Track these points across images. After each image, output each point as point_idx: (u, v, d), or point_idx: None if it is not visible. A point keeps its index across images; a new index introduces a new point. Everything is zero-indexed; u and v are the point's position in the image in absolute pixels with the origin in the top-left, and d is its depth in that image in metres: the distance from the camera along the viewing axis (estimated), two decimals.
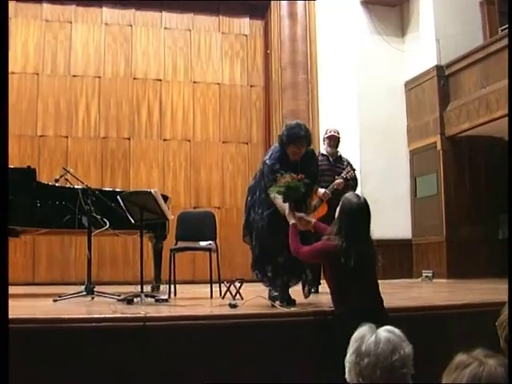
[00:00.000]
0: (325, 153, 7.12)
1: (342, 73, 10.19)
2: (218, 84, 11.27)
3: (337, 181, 6.73)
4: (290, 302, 4.72)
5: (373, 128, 9.68)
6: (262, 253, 4.75)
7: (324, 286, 6.95)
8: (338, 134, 7.12)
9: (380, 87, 9.75)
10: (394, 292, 6.78)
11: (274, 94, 11.23)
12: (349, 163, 7.11)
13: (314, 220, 4.41)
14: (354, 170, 7.10)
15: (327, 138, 7.12)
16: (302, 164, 4.64)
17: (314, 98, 10.90)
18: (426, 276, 9.13)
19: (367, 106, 9.74)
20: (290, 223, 4.21)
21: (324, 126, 10.56)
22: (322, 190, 6.70)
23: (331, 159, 7.04)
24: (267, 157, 4.75)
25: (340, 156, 7.11)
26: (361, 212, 3.96)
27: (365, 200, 4.05)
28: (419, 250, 9.58)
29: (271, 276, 4.83)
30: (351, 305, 3.73)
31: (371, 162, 9.57)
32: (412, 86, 9.78)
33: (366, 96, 9.77)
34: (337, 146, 7.08)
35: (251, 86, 11.47)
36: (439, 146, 9.09)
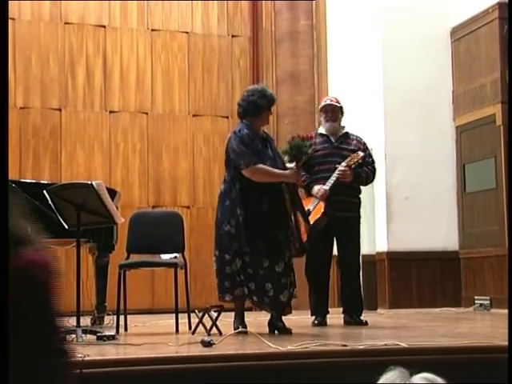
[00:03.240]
0: (323, 131, 7.10)
1: (361, 17, 10.18)
2: (187, 33, 11.23)
3: (339, 169, 6.71)
4: (286, 331, 5.83)
5: (403, 96, 9.67)
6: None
7: (335, 317, 7.00)
8: (338, 102, 7.13)
9: (414, 37, 9.73)
10: (435, 326, 6.80)
11: (264, 47, 11.21)
12: (360, 141, 7.11)
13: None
14: (367, 150, 7.07)
15: (322, 109, 7.13)
16: (270, 140, 6.28)
17: (321, 53, 10.87)
18: (481, 304, 9.14)
19: (395, 64, 9.72)
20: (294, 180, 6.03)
21: (334, 92, 10.58)
22: (316, 188, 6.72)
23: (333, 139, 7.04)
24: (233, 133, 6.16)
25: (346, 133, 7.11)
26: None
27: None
28: (470, 268, 9.59)
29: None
30: None
31: (401, 143, 9.57)
32: (461, 34, 9.77)
33: (394, 50, 9.75)
34: (339, 120, 7.07)
35: (233, 37, 11.45)
36: (500, 120, 9.08)
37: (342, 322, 6.92)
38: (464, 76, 9.73)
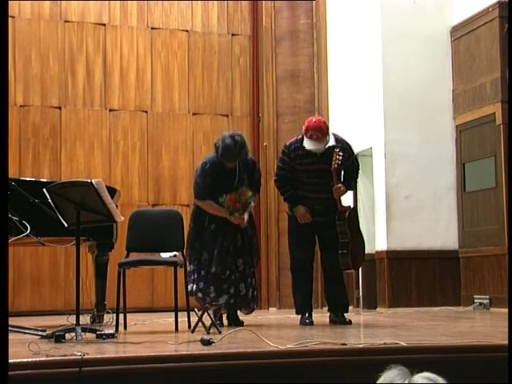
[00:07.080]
0: (307, 146, 6.83)
1: (361, 16, 10.17)
2: (187, 31, 11.22)
3: (334, 190, 6.69)
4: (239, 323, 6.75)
5: (403, 95, 9.66)
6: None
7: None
8: (325, 124, 6.83)
9: (414, 36, 9.73)
10: (435, 325, 6.79)
11: (264, 46, 11.19)
12: (345, 149, 6.86)
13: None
14: (352, 155, 6.95)
15: (310, 128, 6.74)
16: (241, 172, 6.78)
17: (321, 52, 10.87)
18: (480, 303, 9.15)
19: (395, 63, 9.72)
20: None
21: (334, 91, 10.60)
22: (301, 211, 6.86)
23: (318, 154, 6.80)
24: (201, 163, 6.91)
25: (329, 147, 6.81)
26: None
27: None
28: (469, 267, 9.59)
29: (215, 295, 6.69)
30: None
31: (400, 142, 9.56)
32: (462, 33, 9.76)
33: (394, 49, 9.74)
34: (325, 141, 6.77)
35: (233, 35, 11.44)
36: (500, 119, 9.07)
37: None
38: (464, 75, 9.73)
